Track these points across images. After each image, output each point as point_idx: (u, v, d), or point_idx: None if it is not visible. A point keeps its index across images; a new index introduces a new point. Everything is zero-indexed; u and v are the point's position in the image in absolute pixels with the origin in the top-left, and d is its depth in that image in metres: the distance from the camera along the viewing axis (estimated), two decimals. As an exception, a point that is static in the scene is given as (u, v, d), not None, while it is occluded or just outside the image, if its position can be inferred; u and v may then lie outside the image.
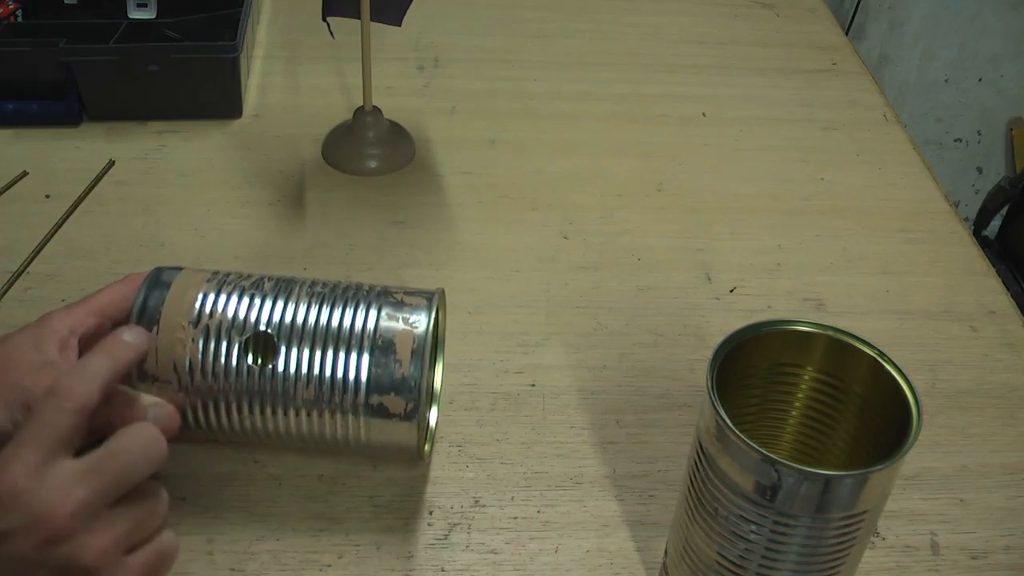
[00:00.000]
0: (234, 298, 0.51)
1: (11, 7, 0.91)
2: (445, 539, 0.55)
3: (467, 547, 0.55)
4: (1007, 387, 0.67)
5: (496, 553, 0.54)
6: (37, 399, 0.44)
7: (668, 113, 0.93)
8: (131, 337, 0.47)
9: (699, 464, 0.45)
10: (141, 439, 0.44)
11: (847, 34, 1.27)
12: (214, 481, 0.57)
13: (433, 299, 0.53)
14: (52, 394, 0.43)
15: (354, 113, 0.83)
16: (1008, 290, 0.75)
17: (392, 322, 0.51)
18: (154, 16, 0.93)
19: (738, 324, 0.46)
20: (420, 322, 0.51)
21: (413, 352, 0.50)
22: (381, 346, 0.50)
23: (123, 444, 0.43)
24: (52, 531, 0.40)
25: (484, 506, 0.57)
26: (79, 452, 0.43)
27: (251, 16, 0.93)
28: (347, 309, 0.51)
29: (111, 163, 0.81)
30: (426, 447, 0.57)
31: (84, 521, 0.41)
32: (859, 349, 0.46)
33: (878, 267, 0.76)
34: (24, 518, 0.40)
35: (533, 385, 0.64)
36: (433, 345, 0.57)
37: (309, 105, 0.90)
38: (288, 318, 0.51)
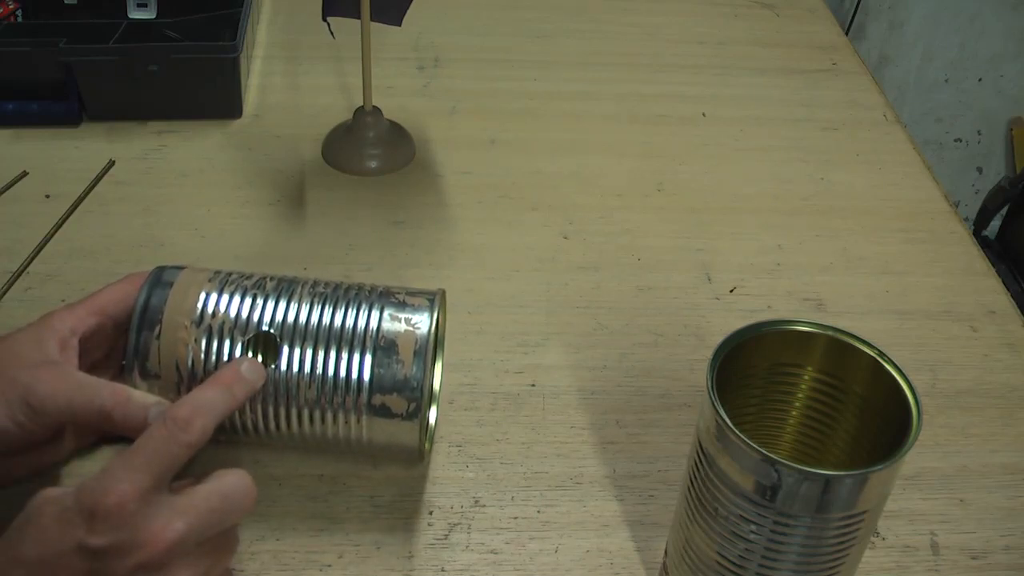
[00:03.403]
0: (236, 298, 0.51)
1: (11, 7, 0.91)
2: (445, 539, 0.55)
3: (467, 547, 0.55)
4: (1007, 387, 0.67)
5: (496, 553, 0.54)
6: (47, 393, 0.45)
7: (668, 113, 0.93)
8: (248, 372, 0.48)
9: (699, 464, 0.45)
10: (240, 486, 0.45)
11: (847, 34, 1.27)
12: (214, 481, 0.57)
13: (435, 300, 0.53)
14: (171, 422, 0.44)
15: (354, 113, 0.83)
16: (1008, 290, 0.75)
17: (394, 323, 0.51)
18: (154, 16, 0.93)
19: (738, 324, 0.46)
20: (422, 323, 0.51)
21: (415, 353, 0.50)
22: (383, 346, 0.50)
23: (225, 488, 0.44)
24: (147, 558, 0.41)
25: (484, 506, 0.57)
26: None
27: (251, 16, 0.93)
28: (349, 309, 0.51)
29: (111, 163, 0.81)
30: (426, 446, 0.57)
31: (176, 554, 0.42)
32: (859, 349, 0.46)
33: (878, 267, 0.76)
34: (125, 539, 0.41)
35: (533, 385, 0.64)
36: (434, 345, 0.57)
37: (309, 105, 0.90)
38: (290, 318, 0.51)
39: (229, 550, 0.46)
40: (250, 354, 0.50)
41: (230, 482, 0.45)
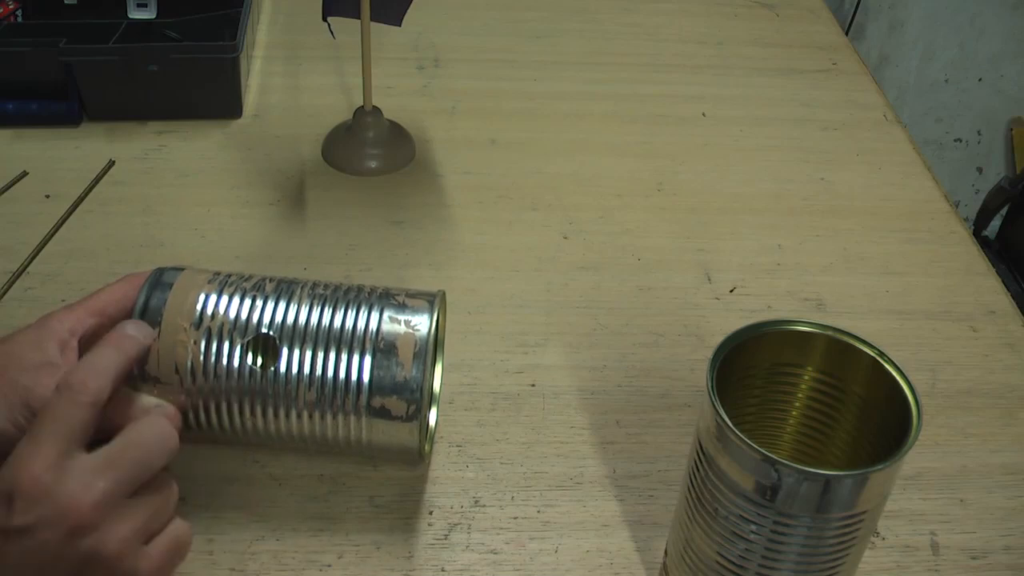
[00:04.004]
0: (236, 300, 0.51)
1: (11, 7, 0.91)
2: (445, 539, 0.55)
3: (467, 547, 0.55)
4: (1007, 387, 0.67)
5: (496, 553, 0.54)
6: (47, 395, 0.45)
7: (668, 113, 0.93)
8: (135, 330, 0.48)
9: (699, 464, 0.45)
10: (154, 431, 0.45)
11: (847, 34, 1.27)
12: (214, 481, 0.57)
13: (435, 301, 0.53)
14: (65, 388, 0.43)
15: (354, 113, 0.83)
16: (1008, 290, 0.75)
17: (394, 324, 0.51)
18: (154, 16, 0.93)
19: (738, 324, 0.46)
20: (422, 324, 0.51)
21: (415, 354, 0.50)
22: (383, 348, 0.50)
23: (138, 436, 0.44)
24: (76, 523, 0.41)
25: (484, 506, 0.57)
26: (88, 448, 0.43)
27: (251, 16, 0.93)
28: (349, 311, 0.51)
29: (111, 163, 0.81)
30: (426, 447, 0.57)
31: (106, 512, 0.42)
32: (859, 349, 0.46)
33: (878, 267, 0.76)
34: (48, 511, 0.40)
35: (533, 385, 0.64)
36: (434, 347, 0.57)
37: (309, 105, 0.91)
38: (290, 320, 0.51)
39: (166, 499, 0.45)
40: (250, 356, 0.50)
41: (143, 428, 0.44)
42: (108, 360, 0.46)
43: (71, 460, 0.42)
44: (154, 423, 0.45)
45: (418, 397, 0.50)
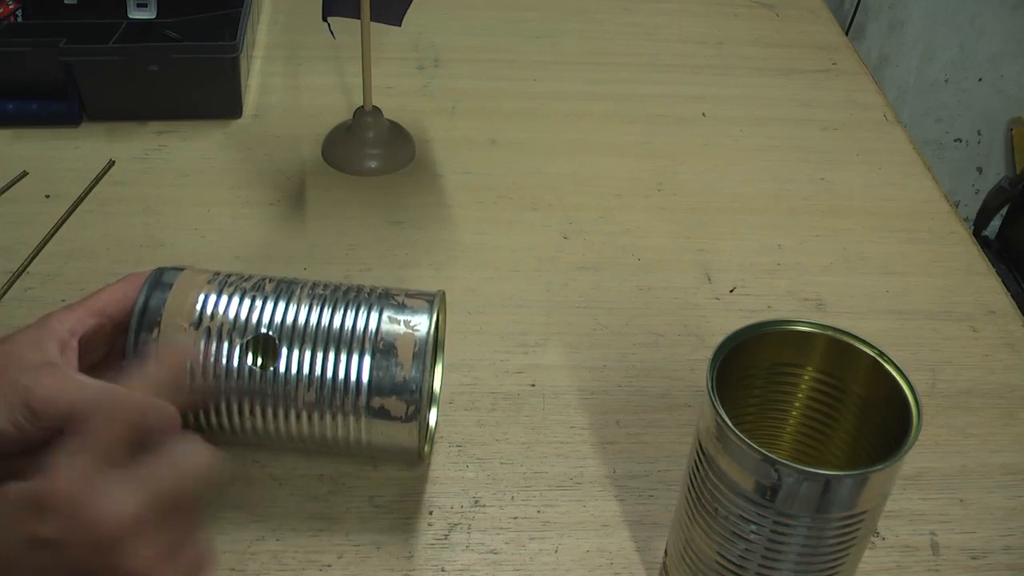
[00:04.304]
0: (235, 300, 0.51)
1: (11, 7, 0.91)
2: (445, 539, 0.55)
3: (467, 547, 0.55)
4: (1007, 387, 0.67)
5: (496, 553, 0.54)
6: (47, 395, 0.45)
7: (668, 113, 0.93)
8: (179, 346, 0.48)
9: (699, 464, 0.45)
10: (194, 456, 0.44)
11: (847, 34, 1.27)
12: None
13: (434, 302, 0.53)
14: (106, 403, 0.43)
15: (354, 113, 0.83)
16: (1008, 290, 0.75)
17: (393, 325, 0.51)
18: (154, 16, 0.93)
19: (738, 324, 0.46)
20: (421, 325, 0.51)
21: (414, 355, 0.50)
22: (382, 349, 0.50)
23: (175, 457, 0.44)
24: (103, 539, 0.40)
25: (484, 506, 0.57)
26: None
27: (251, 16, 0.93)
28: (348, 311, 0.51)
29: (111, 163, 0.81)
30: (426, 448, 0.57)
31: (134, 531, 0.41)
32: (859, 349, 0.46)
33: (878, 267, 0.76)
34: (77, 525, 0.40)
35: (533, 385, 0.64)
36: (434, 347, 0.57)
37: (309, 105, 0.91)
38: (289, 320, 0.51)
39: (195, 522, 0.44)
40: (250, 356, 0.50)
41: (182, 451, 0.44)
42: (158, 379, 0.45)
43: (105, 475, 0.41)
44: (195, 446, 0.44)
45: (417, 398, 0.50)
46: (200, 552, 0.45)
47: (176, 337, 0.50)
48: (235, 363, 0.50)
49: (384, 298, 0.52)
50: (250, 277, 0.53)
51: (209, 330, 0.50)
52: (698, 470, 0.45)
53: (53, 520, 0.40)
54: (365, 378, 0.50)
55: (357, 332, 0.51)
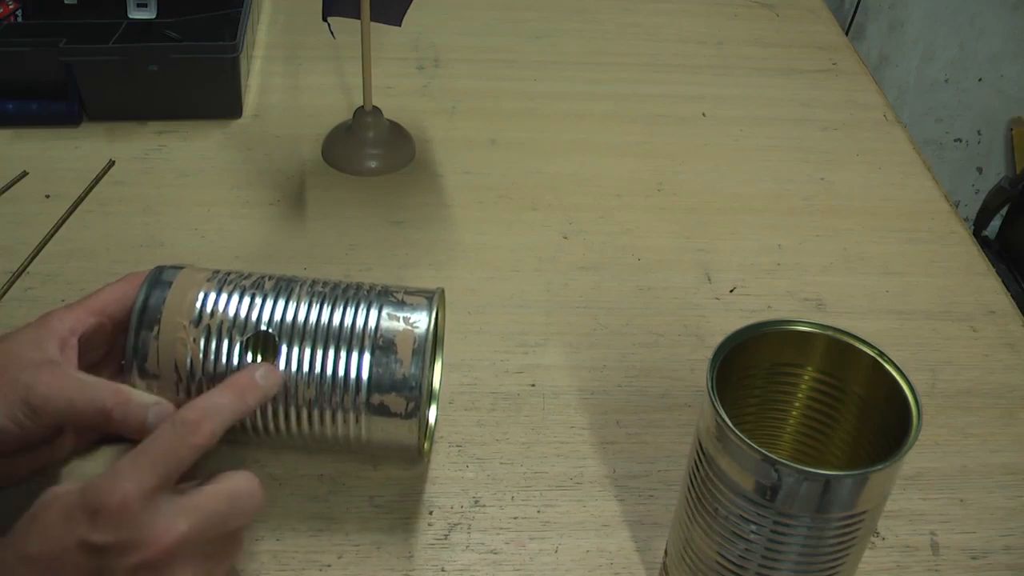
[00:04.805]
0: (235, 297, 0.51)
1: (11, 7, 0.91)
2: (445, 539, 0.55)
3: (467, 547, 0.55)
4: (1007, 387, 0.67)
5: (496, 553, 0.54)
6: (47, 393, 0.45)
7: (668, 113, 0.93)
8: (263, 379, 0.48)
9: (699, 464, 0.45)
10: (247, 491, 0.45)
11: (847, 34, 1.27)
12: (214, 481, 0.57)
13: (433, 299, 0.53)
14: (180, 424, 0.44)
15: (354, 113, 0.83)
16: (1008, 290, 0.75)
17: (393, 322, 0.51)
18: (154, 16, 0.93)
19: (738, 324, 0.46)
20: (421, 322, 0.51)
21: (414, 352, 0.50)
22: (382, 345, 0.50)
23: (231, 490, 0.44)
24: (149, 557, 0.41)
25: (484, 506, 0.57)
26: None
27: (251, 16, 0.93)
28: (348, 308, 0.51)
29: (111, 163, 0.81)
30: (426, 445, 0.57)
31: (178, 554, 0.42)
32: (859, 349, 0.46)
33: (878, 267, 0.76)
34: (127, 538, 0.41)
35: (533, 385, 0.64)
36: (433, 344, 0.57)
37: (309, 105, 0.90)
38: (289, 317, 0.51)
39: (233, 552, 0.46)
40: (249, 354, 0.50)
41: (236, 484, 0.45)
42: (228, 406, 0.46)
43: (163, 496, 0.42)
44: (249, 480, 0.45)
45: (417, 394, 0.50)
46: None
47: (177, 336, 0.50)
48: (235, 361, 0.50)
49: (383, 295, 0.52)
50: (250, 275, 0.53)
51: (209, 328, 0.50)
52: (698, 470, 0.45)
53: (105, 528, 0.41)
54: (365, 375, 0.50)
55: (357, 329, 0.51)
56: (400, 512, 0.56)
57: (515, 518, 0.56)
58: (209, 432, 0.44)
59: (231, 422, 0.46)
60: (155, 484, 0.42)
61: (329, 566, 0.53)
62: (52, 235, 0.74)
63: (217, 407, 0.45)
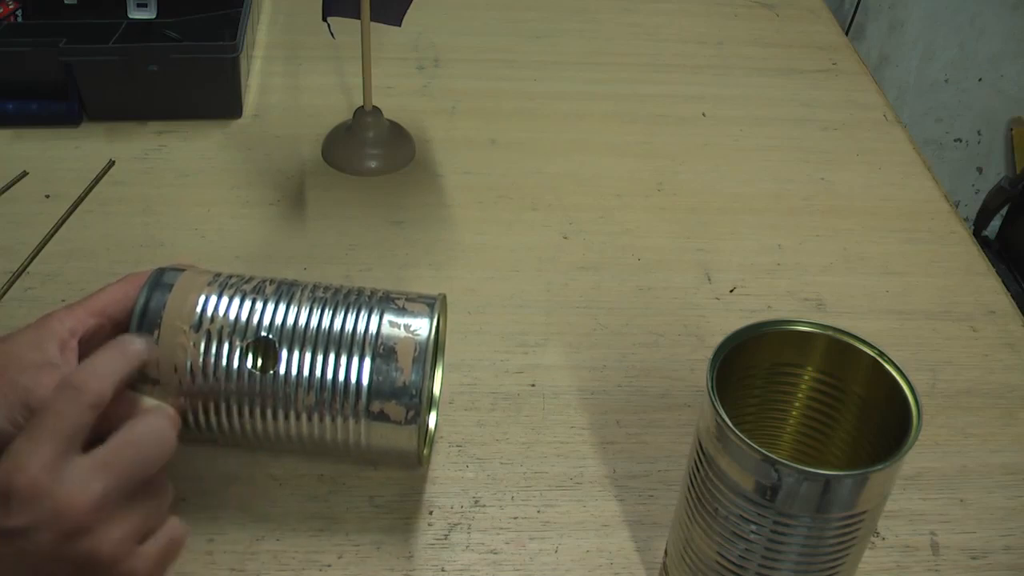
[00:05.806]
0: (235, 302, 0.51)
1: (11, 7, 0.91)
2: (445, 539, 0.55)
3: (467, 547, 0.55)
4: (1007, 387, 0.67)
5: (496, 553, 0.54)
6: (47, 395, 0.45)
7: (668, 113, 0.93)
8: (140, 341, 0.48)
9: (699, 464, 0.45)
10: (151, 431, 0.44)
11: (847, 34, 1.27)
12: (214, 481, 0.57)
13: (435, 305, 0.53)
14: (66, 388, 0.43)
15: (354, 113, 0.83)
16: (1008, 290, 0.75)
17: (394, 329, 0.51)
18: (154, 16, 0.93)
19: (738, 324, 0.46)
20: (422, 329, 0.51)
21: (414, 359, 0.50)
22: (382, 352, 0.50)
23: (134, 436, 0.44)
24: (72, 525, 0.41)
25: (484, 506, 0.57)
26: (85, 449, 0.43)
27: (251, 16, 0.93)
28: (349, 314, 0.51)
29: (111, 163, 0.81)
30: (425, 451, 0.57)
31: (102, 514, 0.41)
32: (859, 349, 0.46)
33: (878, 267, 0.76)
34: (44, 513, 0.40)
35: (533, 385, 0.64)
36: (434, 352, 0.57)
37: (309, 105, 0.91)
38: (289, 323, 0.51)
39: (161, 499, 0.45)
40: (250, 359, 0.50)
41: (140, 428, 0.44)
42: (111, 363, 0.45)
43: (68, 461, 0.42)
44: (151, 423, 0.45)
45: (417, 402, 0.50)
46: (171, 528, 0.45)
47: (177, 341, 0.50)
48: (235, 366, 0.50)
49: (384, 301, 0.52)
50: (251, 279, 0.53)
51: (209, 332, 0.50)
52: (698, 470, 0.45)
53: (20, 510, 0.40)
54: (365, 382, 0.50)
55: (357, 335, 0.50)
56: (400, 512, 0.56)
57: (515, 518, 0.56)
58: (98, 389, 0.43)
59: (118, 380, 0.45)
60: (58, 452, 0.41)
61: (329, 566, 0.53)
62: (52, 235, 0.74)
63: (101, 365, 0.45)
